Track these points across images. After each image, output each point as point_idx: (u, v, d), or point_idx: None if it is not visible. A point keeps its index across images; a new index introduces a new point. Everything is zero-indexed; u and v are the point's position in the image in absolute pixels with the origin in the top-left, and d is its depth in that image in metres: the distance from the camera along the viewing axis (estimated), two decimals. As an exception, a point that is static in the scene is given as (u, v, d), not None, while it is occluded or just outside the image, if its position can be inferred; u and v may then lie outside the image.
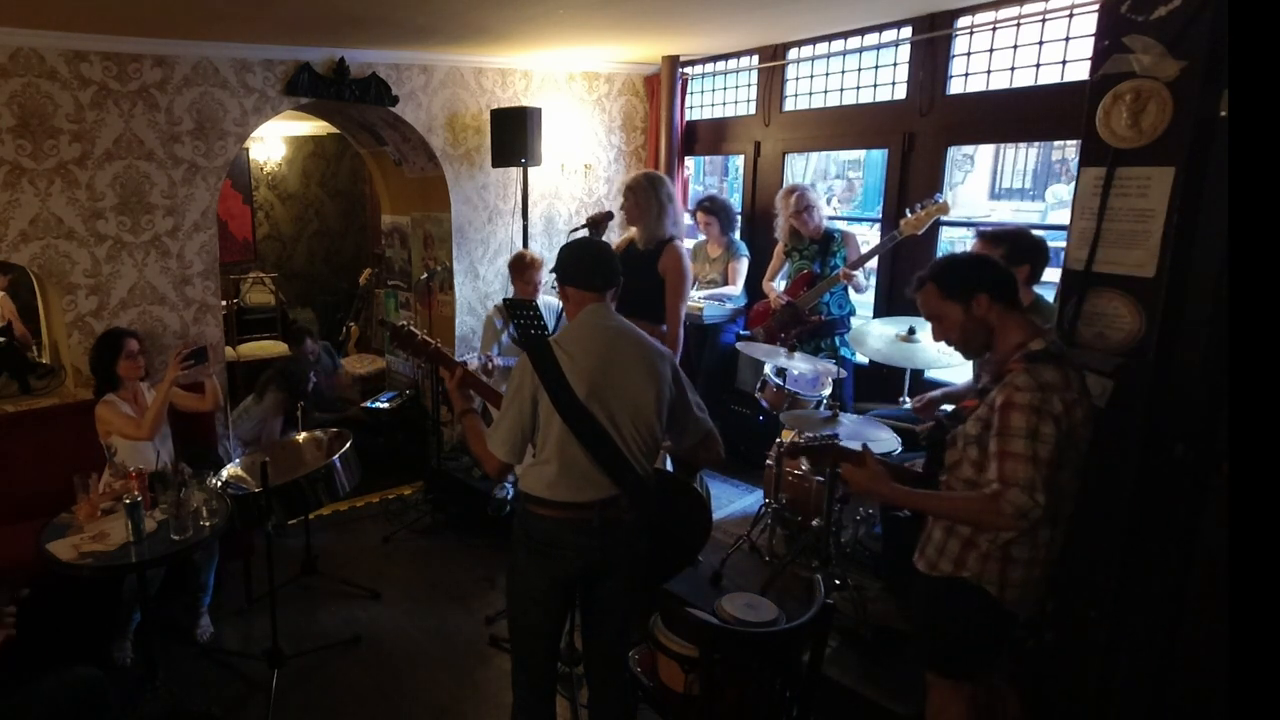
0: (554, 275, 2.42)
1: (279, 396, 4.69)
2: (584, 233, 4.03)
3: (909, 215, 3.79)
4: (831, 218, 4.54)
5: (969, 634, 2.19)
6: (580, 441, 2.19)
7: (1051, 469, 1.93)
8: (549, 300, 4.26)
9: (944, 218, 3.91)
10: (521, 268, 4.36)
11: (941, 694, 2.27)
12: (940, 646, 2.25)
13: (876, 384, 4.38)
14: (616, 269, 2.35)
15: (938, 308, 2.18)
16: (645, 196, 3.65)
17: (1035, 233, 3.01)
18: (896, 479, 2.25)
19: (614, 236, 4.28)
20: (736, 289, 4.76)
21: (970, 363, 3.21)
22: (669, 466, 2.77)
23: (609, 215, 3.90)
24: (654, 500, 2.34)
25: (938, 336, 2.25)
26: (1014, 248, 2.85)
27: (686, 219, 5.59)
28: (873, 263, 4.07)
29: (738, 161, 5.59)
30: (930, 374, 4.10)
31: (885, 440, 3.23)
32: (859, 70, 4.47)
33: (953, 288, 2.13)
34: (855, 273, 4.04)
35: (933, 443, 2.27)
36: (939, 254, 4.31)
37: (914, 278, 2.26)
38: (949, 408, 3.31)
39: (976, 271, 2.17)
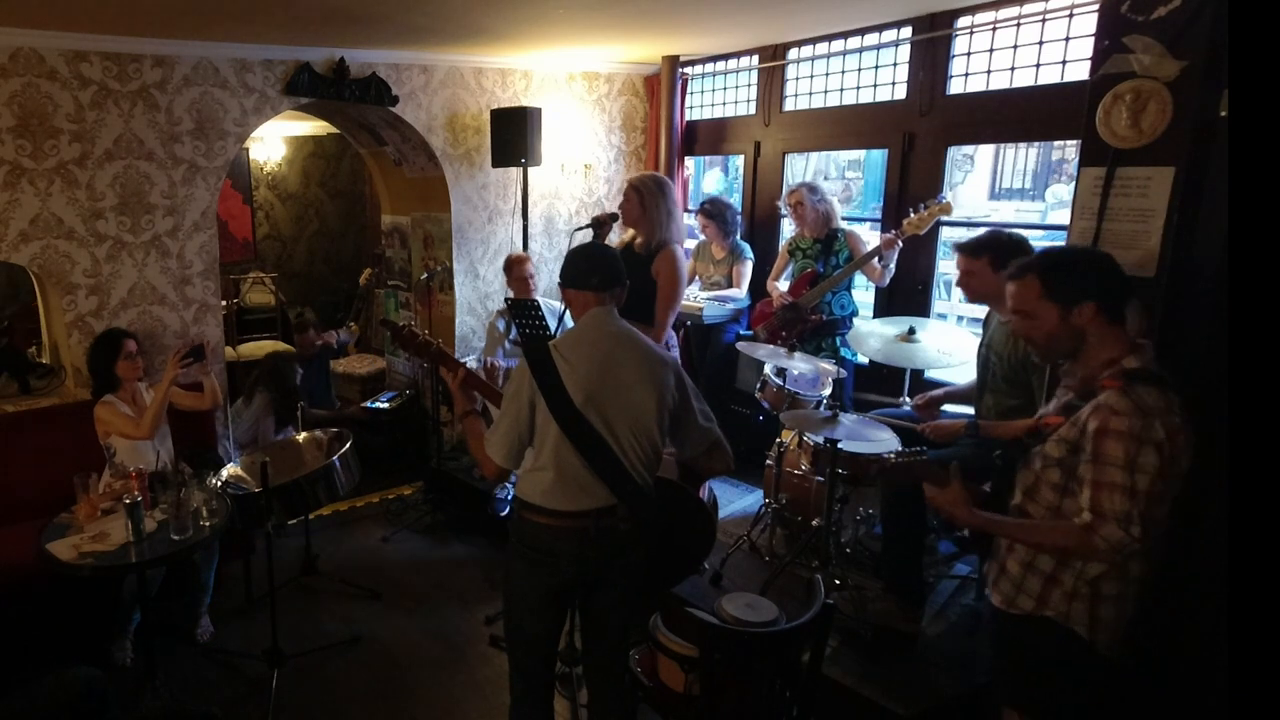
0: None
1: (267, 397, 4.67)
2: (587, 233, 4.03)
3: (911, 215, 3.79)
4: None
5: (1056, 674, 2.00)
6: (577, 449, 2.16)
7: (1151, 501, 1.77)
8: (551, 303, 4.27)
9: (944, 217, 3.91)
10: (508, 267, 4.44)
11: None
12: (1025, 684, 2.07)
13: (876, 384, 4.38)
14: (618, 270, 2.32)
15: (1033, 305, 1.96)
16: (652, 199, 3.58)
17: (1011, 232, 2.93)
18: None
19: (613, 239, 4.27)
20: (742, 291, 4.76)
21: (974, 363, 3.22)
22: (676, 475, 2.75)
23: (613, 216, 3.89)
24: (653, 510, 2.30)
25: (1019, 331, 2.08)
26: (997, 254, 2.77)
27: (688, 220, 5.61)
28: (893, 263, 4.00)
29: (738, 161, 5.59)
30: (930, 374, 4.10)
31: (885, 440, 3.22)
32: (859, 70, 4.47)
33: (1059, 289, 1.91)
34: (893, 248, 3.86)
35: (1009, 462, 2.10)
36: (939, 254, 4.31)
37: (1014, 264, 2.04)
38: (953, 408, 3.32)
39: (1091, 276, 1.93)
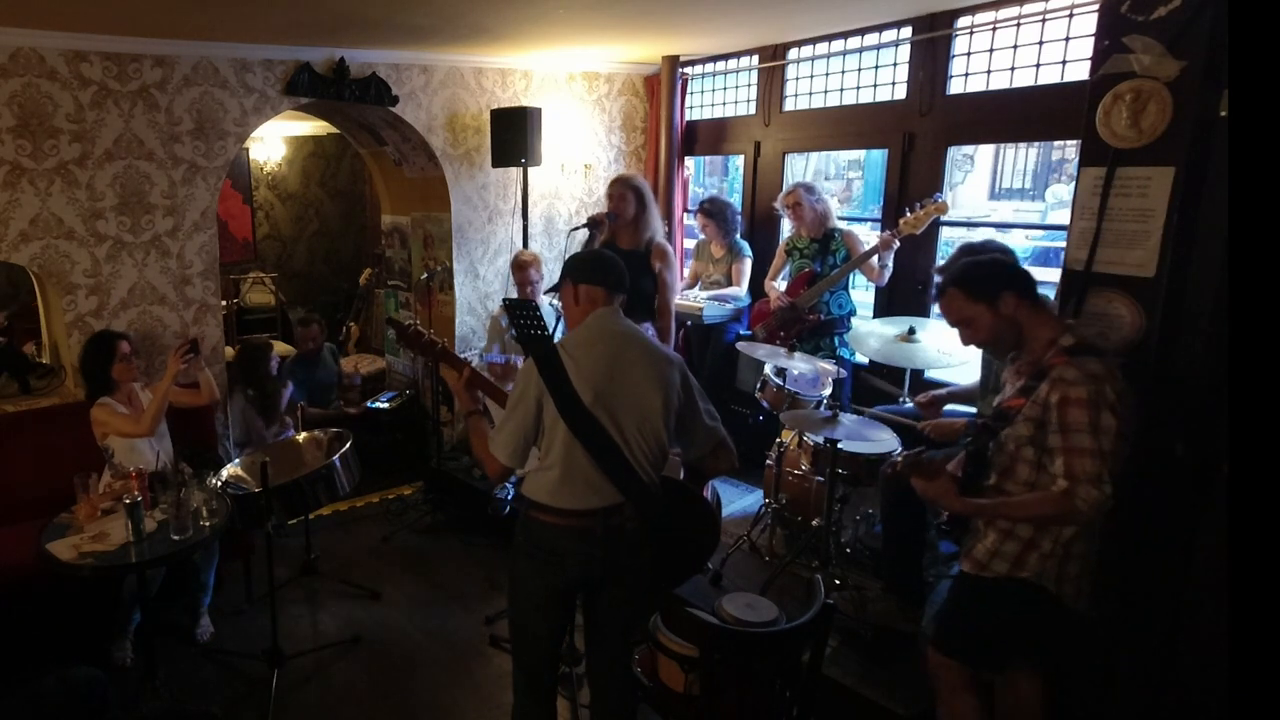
0: (556, 285, 2.44)
1: (244, 393, 4.64)
2: (583, 232, 4.05)
3: (908, 215, 3.79)
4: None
5: (1013, 628, 2.21)
6: (585, 448, 2.17)
7: (1115, 458, 1.96)
8: (551, 303, 4.27)
9: (944, 218, 3.91)
10: (514, 267, 4.48)
11: (954, 688, 2.31)
12: (975, 636, 2.26)
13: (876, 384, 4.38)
14: (626, 279, 2.37)
15: (965, 311, 2.17)
16: (646, 196, 3.84)
17: (986, 252, 2.87)
18: None
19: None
20: (742, 290, 4.77)
21: (977, 362, 3.22)
22: (681, 474, 2.76)
23: (610, 216, 3.91)
24: (660, 509, 2.31)
25: (967, 340, 2.25)
26: (980, 287, 2.74)
27: (689, 219, 5.62)
28: (890, 262, 4.01)
29: (738, 161, 5.59)
30: (930, 374, 4.10)
31: (885, 440, 3.23)
32: (859, 70, 4.47)
33: (978, 289, 2.14)
34: (891, 246, 3.87)
35: (980, 446, 2.24)
36: (938, 253, 4.31)
37: (935, 286, 2.28)
38: (959, 408, 3.32)
39: (998, 270, 2.18)
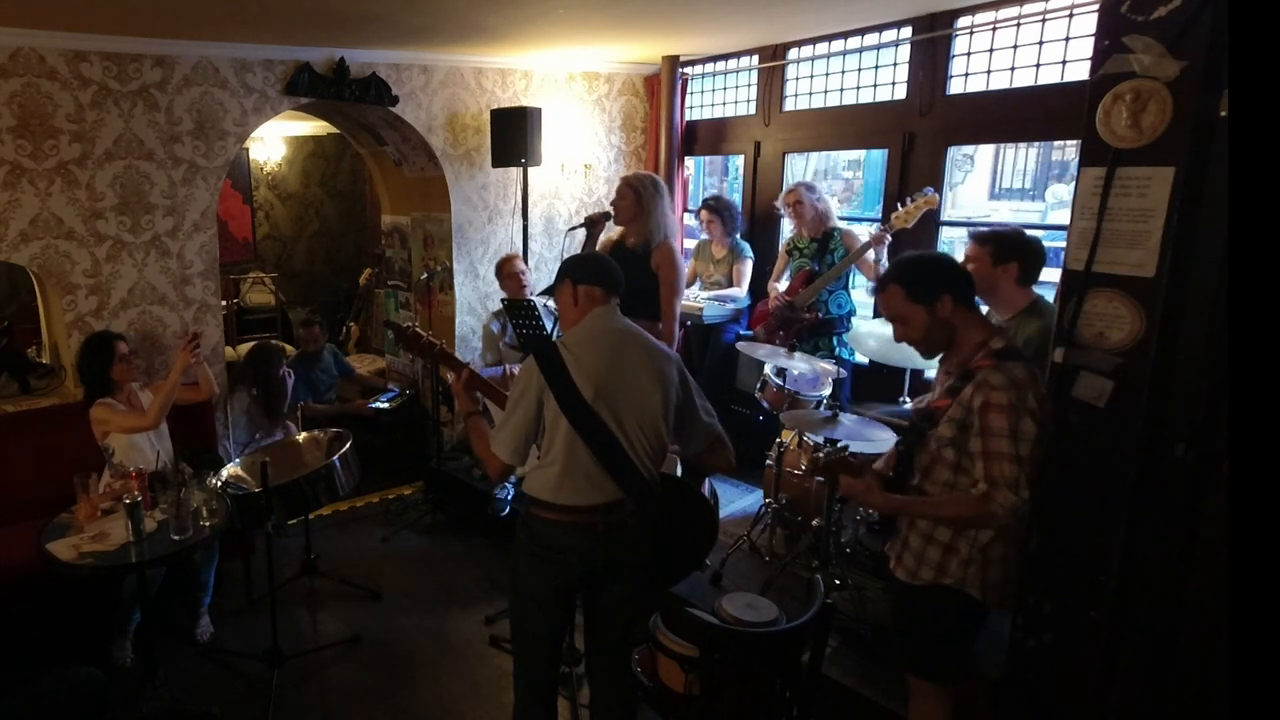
0: (550, 288, 2.45)
1: (248, 393, 4.62)
2: (581, 232, 4.05)
3: (899, 209, 3.80)
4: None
5: (955, 639, 2.24)
6: (586, 444, 2.18)
7: (1032, 464, 1.98)
8: (549, 304, 4.27)
9: (944, 217, 3.92)
10: (500, 266, 4.53)
11: (925, 698, 2.31)
12: (927, 652, 2.28)
13: (877, 384, 4.38)
14: (622, 281, 2.39)
15: (903, 309, 2.18)
16: (650, 197, 3.75)
17: (1029, 233, 3.01)
18: None
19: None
20: (742, 290, 4.77)
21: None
22: (678, 471, 2.76)
23: (607, 215, 3.92)
24: (659, 505, 2.32)
25: (899, 337, 2.26)
26: (999, 246, 2.87)
27: (689, 219, 5.62)
28: (884, 258, 4.02)
29: (738, 161, 5.59)
30: (930, 374, 4.10)
31: (885, 440, 3.22)
32: (859, 70, 4.47)
33: (918, 290, 2.15)
34: (883, 241, 3.89)
35: (908, 445, 2.28)
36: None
37: (877, 279, 2.29)
38: (908, 405, 3.35)
39: (940, 272, 2.20)
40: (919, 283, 2.16)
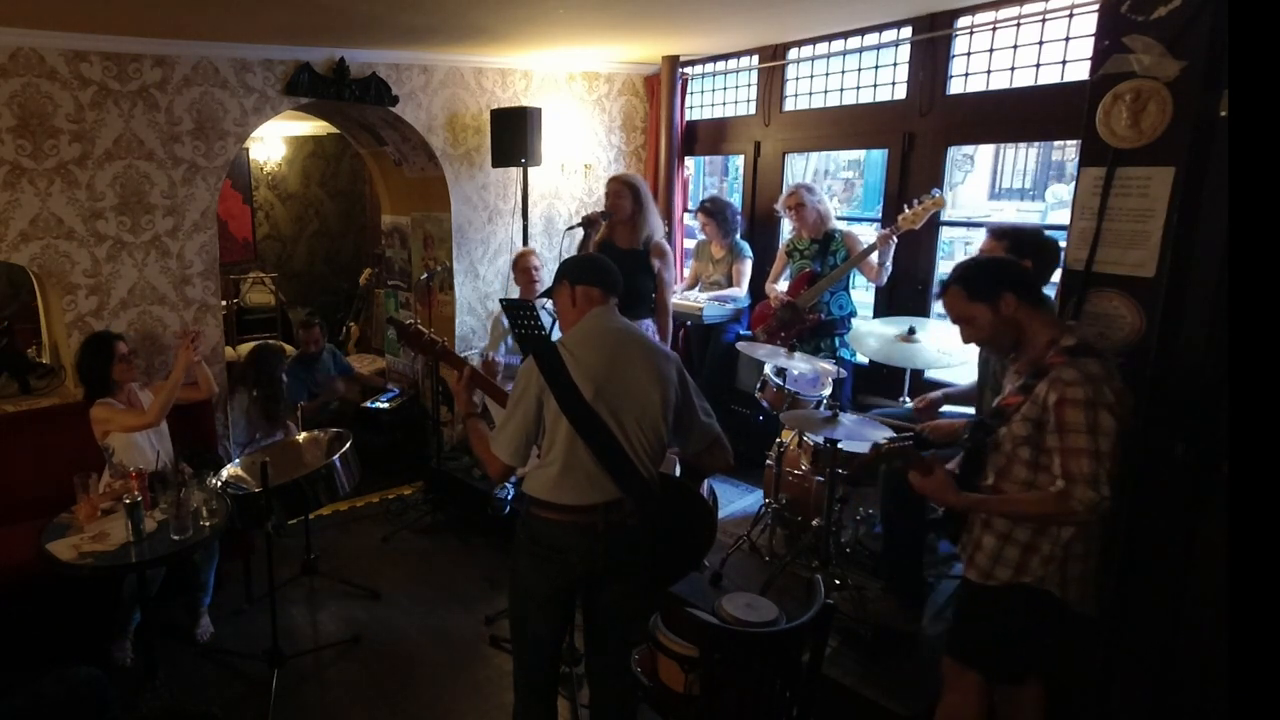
0: (549, 290, 2.46)
1: (249, 393, 4.62)
2: (579, 231, 4.06)
3: (906, 210, 3.80)
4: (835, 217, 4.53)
5: (1029, 637, 2.20)
6: (586, 443, 2.18)
7: (1113, 460, 1.96)
8: (548, 304, 4.28)
9: (945, 217, 3.91)
10: (516, 260, 4.56)
11: (964, 692, 2.30)
12: (996, 650, 2.24)
13: (877, 385, 4.38)
14: (621, 283, 2.39)
15: (965, 310, 2.18)
16: (647, 195, 3.87)
17: (1046, 233, 3.01)
18: None
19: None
20: (742, 290, 4.77)
21: (975, 363, 3.23)
22: (677, 471, 2.77)
23: (605, 215, 3.92)
24: (659, 505, 2.33)
25: (967, 339, 2.25)
26: (1016, 242, 2.87)
27: (689, 219, 5.63)
28: (890, 260, 4.01)
29: (738, 161, 5.59)
30: (930, 374, 4.10)
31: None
32: (859, 70, 4.47)
33: (979, 289, 2.15)
34: (889, 242, 3.88)
35: (976, 444, 2.24)
36: (938, 252, 4.31)
37: (940, 284, 2.29)
38: (952, 409, 3.33)
39: (1000, 271, 2.19)
40: (979, 282, 2.16)
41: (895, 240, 3.88)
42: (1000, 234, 2.94)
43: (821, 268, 4.18)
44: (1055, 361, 2.04)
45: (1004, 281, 2.14)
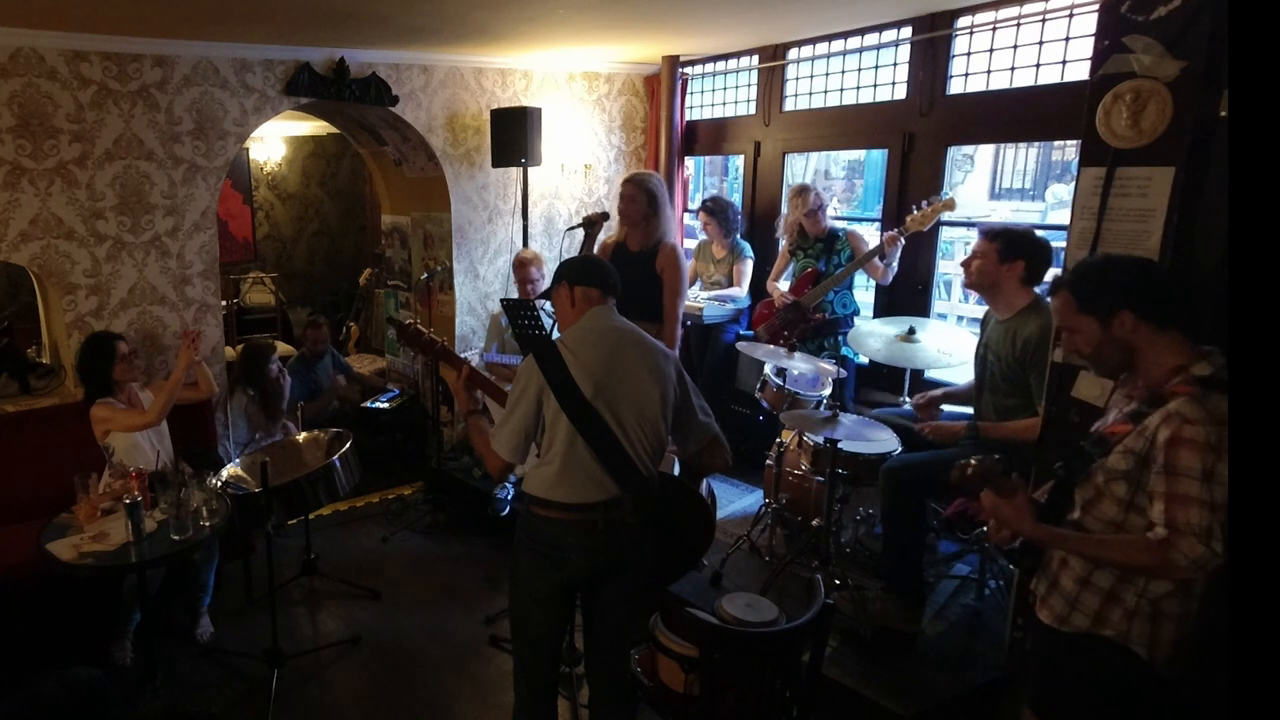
0: (548, 290, 2.46)
1: (245, 393, 4.62)
2: (579, 232, 4.04)
3: (914, 212, 3.79)
4: (833, 218, 4.54)
5: (1112, 699, 1.89)
6: (586, 441, 2.19)
7: (1225, 514, 1.66)
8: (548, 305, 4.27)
9: (944, 217, 3.91)
10: (515, 266, 4.45)
11: None
12: (1077, 708, 1.95)
13: (877, 384, 4.38)
14: (619, 284, 2.40)
15: (1072, 320, 1.89)
16: (662, 198, 3.71)
17: (1038, 233, 3.02)
18: None
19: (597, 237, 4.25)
20: (742, 291, 4.77)
21: (972, 363, 3.23)
22: (676, 470, 2.77)
23: (605, 215, 3.91)
24: (657, 503, 2.33)
25: (1068, 349, 2.03)
26: (1007, 243, 2.88)
27: (689, 219, 5.62)
28: (895, 261, 4.00)
29: (738, 161, 5.59)
30: (930, 374, 4.10)
31: (885, 440, 3.23)
32: (859, 70, 4.47)
33: (1092, 300, 1.84)
34: (897, 244, 3.85)
35: (1071, 474, 1.93)
36: (939, 254, 4.31)
37: (1052, 279, 1.99)
38: (951, 408, 3.33)
39: (1123, 284, 1.83)
40: (1094, 292, 1.84)
41: (903, 241, 3.88)
42: (993, 235, 2.94)
43: (826, 267, 4.18)
44: (1180, 391, 1.74)
45: (1125, 297, 1.81)
